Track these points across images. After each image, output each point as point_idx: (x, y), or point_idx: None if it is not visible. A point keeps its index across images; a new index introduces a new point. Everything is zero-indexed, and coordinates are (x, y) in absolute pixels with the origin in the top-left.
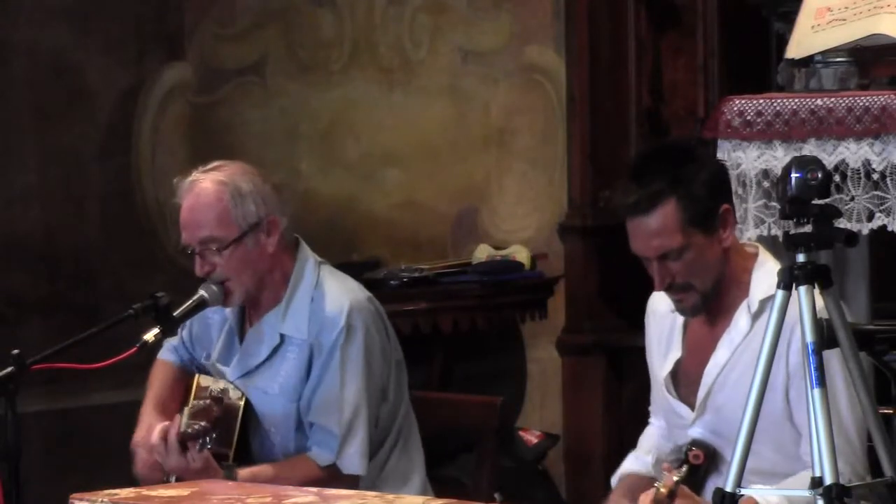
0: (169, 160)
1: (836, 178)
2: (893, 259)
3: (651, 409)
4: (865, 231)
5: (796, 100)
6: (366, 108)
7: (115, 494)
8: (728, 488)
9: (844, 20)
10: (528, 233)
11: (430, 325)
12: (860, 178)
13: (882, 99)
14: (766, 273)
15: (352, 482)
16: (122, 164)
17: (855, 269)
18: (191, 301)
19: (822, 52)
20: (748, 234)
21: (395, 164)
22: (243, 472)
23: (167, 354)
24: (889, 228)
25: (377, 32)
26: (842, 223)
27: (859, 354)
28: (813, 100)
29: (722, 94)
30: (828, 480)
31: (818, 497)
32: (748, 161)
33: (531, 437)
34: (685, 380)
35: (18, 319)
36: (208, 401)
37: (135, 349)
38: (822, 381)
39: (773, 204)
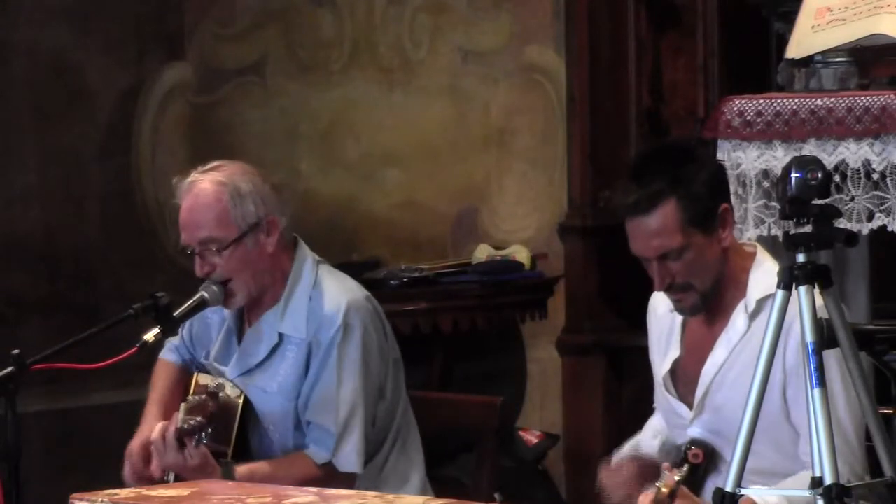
0: (169, 160)
1: (836, 178)
2: (893, 259)
3: (654, 406)
4: (865, 231)
5: (796, 100)
6: (366, 108)
7: (115, 494)
8: (728, 488)
9: (844, 20)
10: (528, 233)
11: (430, 325)
12: (860, 178)
13: (882, 99)
14: (763, 273)
15: (348, 480)
16: (122, 164)
17: (855, 269)
18: (191, 301)
19: (822, 52)
20: (748, 234)
21: (395, 164)
22: (240, 468)
23: (168, 354)
24: (889, 228)
25: (377, 32)
26: (842, 223)
27: (859, 354)
28: (813, 100)
29: (722, 94)
30: (828, 480)
31: (818, 497)
32: (748, 161)
33: (531, 437)
34: (684, 379)
35: (18, 319)
36: (203, 396)
37: (135, 349)
38: (822, 381)
39: (773, 204)
